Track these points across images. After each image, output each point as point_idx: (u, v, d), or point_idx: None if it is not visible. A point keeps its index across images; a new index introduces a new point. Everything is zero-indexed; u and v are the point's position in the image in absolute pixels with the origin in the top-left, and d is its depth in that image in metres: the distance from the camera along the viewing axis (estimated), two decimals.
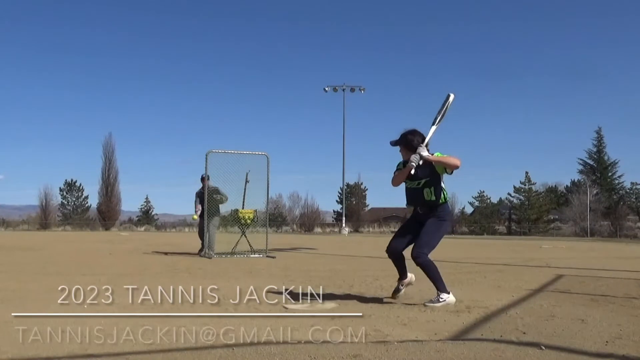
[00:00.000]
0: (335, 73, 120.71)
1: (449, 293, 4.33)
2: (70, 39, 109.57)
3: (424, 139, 4.47)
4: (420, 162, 4.29)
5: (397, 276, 4.67)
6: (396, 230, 4.71)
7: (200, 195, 10.65)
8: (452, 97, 4.60)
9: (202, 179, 10.56)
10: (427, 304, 4.28)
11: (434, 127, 4.54)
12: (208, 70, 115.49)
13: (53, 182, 77.37)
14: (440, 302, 4.26)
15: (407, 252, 4.49)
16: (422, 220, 4.45)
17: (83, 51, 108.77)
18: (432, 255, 4.39)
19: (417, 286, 5.21)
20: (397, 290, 4.68)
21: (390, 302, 4.50)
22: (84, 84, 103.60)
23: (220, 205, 10.66)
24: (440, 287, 4.33)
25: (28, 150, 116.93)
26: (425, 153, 4.29)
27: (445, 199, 4.41)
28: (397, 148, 4.60)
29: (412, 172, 4.30)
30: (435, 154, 4.37)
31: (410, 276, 4.64)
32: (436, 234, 4.39)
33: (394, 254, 4.54)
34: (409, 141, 4.44)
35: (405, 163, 4.48)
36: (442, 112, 4.57)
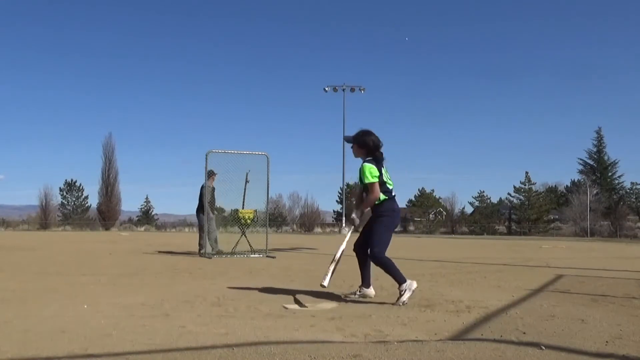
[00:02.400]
0: (335, 73, 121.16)
1: (406, 280, 4.41)
2: (71, 39, 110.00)
3: (375, 142, 4.59)
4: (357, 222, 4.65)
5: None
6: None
7: (202, 191, 10.60)
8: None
9: (210, 174, 10.53)
10: (396, 303, 4.32)
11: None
12: (208, 70, 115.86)
13: (53, 182, 77.60)
14: (403, 293, 4.34)
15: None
16: (371, 218, 4.64)
17: (83, 51, 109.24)
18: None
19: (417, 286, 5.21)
20: (351, 293, 4.82)
21: (390, 302, 4.50)
22: (84, 84, 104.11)
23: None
24: (398, 279, 4.42)
25: (28, 150, 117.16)
26: (356, 221, 4.61)
27: (379, 200, 4.52)
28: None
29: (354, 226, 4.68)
30: (360, 168, 4.52)
31: (371, 291, 4.73)
32: (380, 230, 4.50)
33: (359, 250, 4.70)
34: (363, 142, 4.61)
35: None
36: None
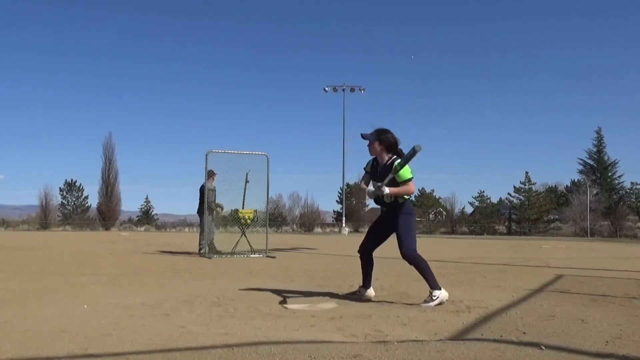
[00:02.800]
0: (335, 73, 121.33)
1: (440, 289, 4.38)
2: (71, 39, 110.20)
3: (395, 139, 4.57)
4: (382, 193, 4.40)
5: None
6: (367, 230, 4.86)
7: (202, 191, 10.66)
8: (419, 149, 4.46)
9: (211, 174, 10.61)
10: (422, 304, 4.31)
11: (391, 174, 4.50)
12: (208, 70, 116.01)
13: (53, 182, 77.63)
14: (434, 299, 4.31)
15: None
16: (389, 219, 4.54)
17: (83, 52, 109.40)
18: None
19: (416, 286, 5.21)
20: (352, 293, 4.78)
21: (391, 302, 4.50)
22: (84, 84, 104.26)
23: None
24: (432, 284, 4.39)
25: (28, 150, 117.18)
26: (386, 191, 4.36)
27: (404, 199, 4.49)
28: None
29: (368, 199, 4.53)
30: (396, 163, 4.42)
31: (371, 292, 4.71)
32: (411, 228, 4.50)
33: (365, 252, 4.68)
34: (383, 140, 4.54)
35: (374, 160, 4.65)
36: (406, 162, 4.49)
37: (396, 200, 4.48)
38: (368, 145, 4.64)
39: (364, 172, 4.78)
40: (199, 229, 11.21)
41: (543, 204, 47.53)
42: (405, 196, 4.48)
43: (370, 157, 4.72)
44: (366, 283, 4.71)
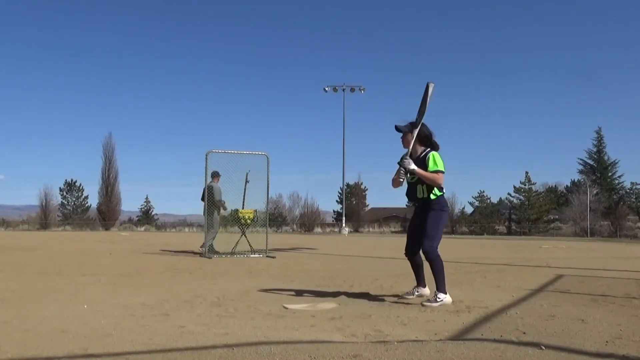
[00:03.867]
0: (335, 73, 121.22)
1: (446, 293, 4.39)
2: (71, 39, 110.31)
3: (430, 132, 4.55)
4: (408, 176, 4.41)
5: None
6: (406, 230, 4.83)
7: (210, 191, 10.67)
8: (432, 86, 4.52)
9: (215, 175, 10.65)
10: (424, 303, 4.33)
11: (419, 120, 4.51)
12: (208, 70, 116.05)
13: (53, 182, 77.59)
14: (438, 302, 4.31)
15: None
16: (421, 213, 4.52)
17: (83, 52, 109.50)
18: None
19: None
20: (407, 293, 4.76)
21: (391, 302, 4.50)
22: (84, 84, 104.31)
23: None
24: (440, 287, 4.39)
25: (28, 150, 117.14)
26: (412, 167, 4.35)
27: (436, 194, 4.46)
28: (396, 139, 4.65)
29: (402, 180, 4.46)
30: (430, 155, 4.42)
31: (427, 290, 4.72)
32: (439, 225, 4.47)
33: (411, 254, 4.66)
34: (421, 131, 4.50)
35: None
36: (425, 103, 4.50)
37: (428, 196, 4.44)
38: (402, 138, 4.60)
39: (397, 166, 4.60)
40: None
41: (543, 204, 47.48)
42: (437, 191, 4.45)
43: (403, 151, 4.61)
44: (420, 282, 4.72)
